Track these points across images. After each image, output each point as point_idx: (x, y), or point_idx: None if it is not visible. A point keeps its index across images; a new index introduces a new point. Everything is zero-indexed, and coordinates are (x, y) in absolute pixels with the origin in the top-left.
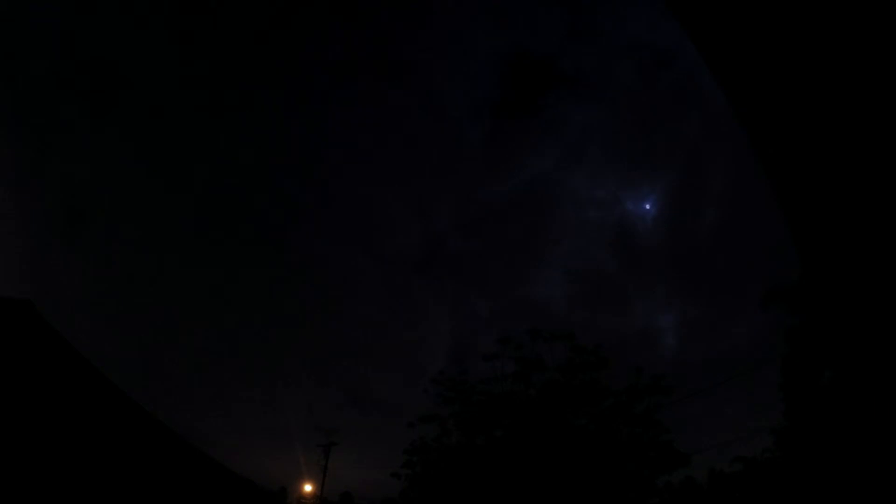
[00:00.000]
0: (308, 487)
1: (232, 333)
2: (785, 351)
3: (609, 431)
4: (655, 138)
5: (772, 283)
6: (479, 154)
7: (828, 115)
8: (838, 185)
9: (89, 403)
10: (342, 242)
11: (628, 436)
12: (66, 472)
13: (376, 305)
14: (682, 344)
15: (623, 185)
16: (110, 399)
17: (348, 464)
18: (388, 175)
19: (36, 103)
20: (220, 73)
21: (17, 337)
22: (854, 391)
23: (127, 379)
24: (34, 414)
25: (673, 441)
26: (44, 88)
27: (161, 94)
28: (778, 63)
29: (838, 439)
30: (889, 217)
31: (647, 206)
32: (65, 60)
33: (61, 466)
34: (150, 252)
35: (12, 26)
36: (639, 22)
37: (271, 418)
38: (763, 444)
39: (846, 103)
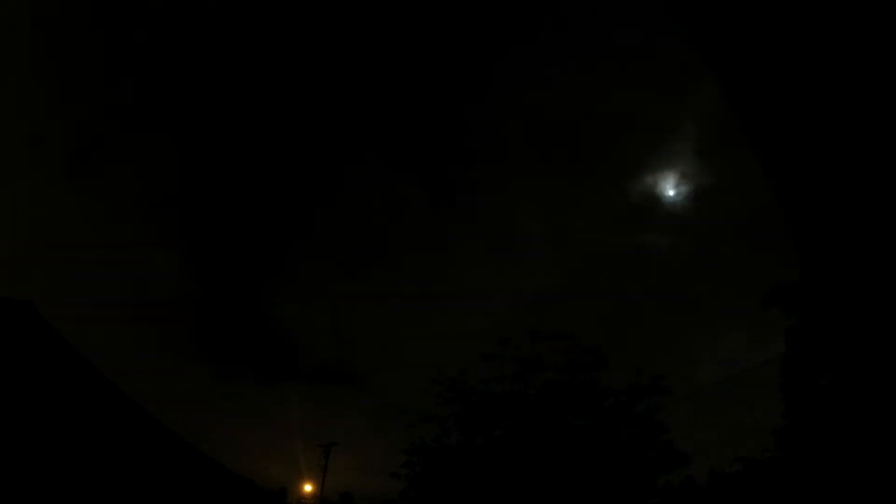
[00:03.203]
0: (308, 487)
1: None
2: (785, 351)
3: (609, 431)
4: None
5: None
6: None
7: (828, 119)
8: (838, 187)
9: (89, 403)
10: None
11: (628, 436)
12: (66, 471)
13: None
14: None
15: None
16: (110, 399)
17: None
18: None
19: None
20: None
21: (17, 337)
22: (853, 391)
23: (126, 377)
24: (34, 414)
25: (673, 441)
26: None
27: None
28: (778, 66)
29: (838, 439)
30: (888, 219)
31: None
32: None
33: (61, 466)
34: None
35: None
36: None
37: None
38: (763, 444)
39: (846, 107)
